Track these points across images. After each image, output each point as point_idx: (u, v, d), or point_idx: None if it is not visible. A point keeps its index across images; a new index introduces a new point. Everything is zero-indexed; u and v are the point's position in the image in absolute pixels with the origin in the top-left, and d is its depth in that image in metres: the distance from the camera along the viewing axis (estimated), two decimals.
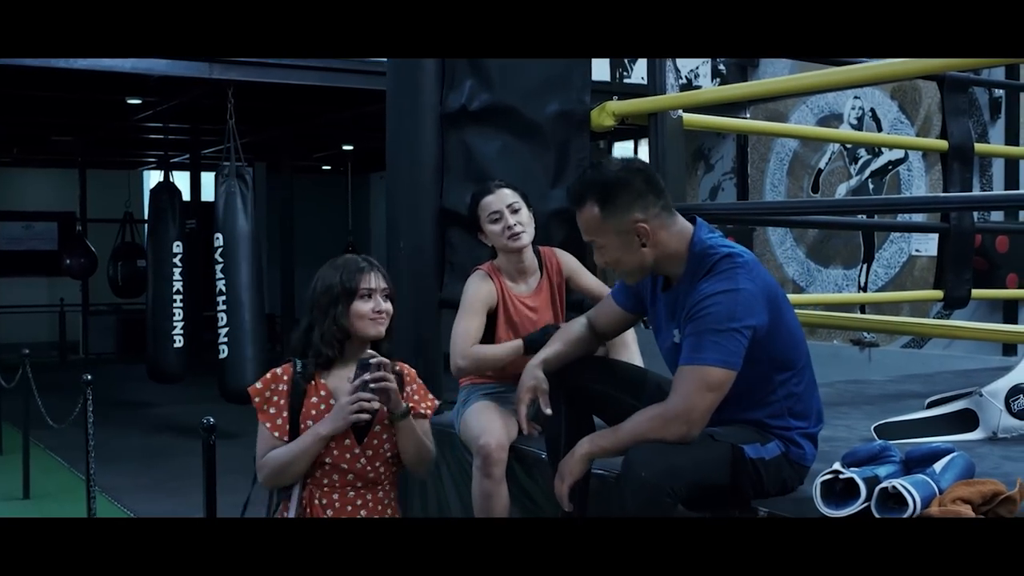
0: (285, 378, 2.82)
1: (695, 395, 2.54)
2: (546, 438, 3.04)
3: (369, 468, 2.82)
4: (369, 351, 2.80)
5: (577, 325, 3.08)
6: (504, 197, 3.56)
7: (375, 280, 2.82)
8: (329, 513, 2.79)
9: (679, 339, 2.68)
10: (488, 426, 3.37)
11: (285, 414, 2.79)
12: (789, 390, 2.71)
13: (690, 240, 2.69)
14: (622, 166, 2.73)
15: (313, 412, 2.80)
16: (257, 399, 2.80)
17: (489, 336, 3.56)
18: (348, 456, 2.80)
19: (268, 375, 2.83)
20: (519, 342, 3.51)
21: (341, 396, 2.76)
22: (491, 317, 3.58)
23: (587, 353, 3.08)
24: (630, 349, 3.51)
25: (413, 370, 2.97)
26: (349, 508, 2.81)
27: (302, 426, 2.79)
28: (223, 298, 8.41)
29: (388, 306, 2.84)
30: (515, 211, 3.55)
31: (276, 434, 2.78)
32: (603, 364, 3.12)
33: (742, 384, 2.62)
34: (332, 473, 2.80)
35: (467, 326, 3.50)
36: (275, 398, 2.80)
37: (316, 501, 2.79)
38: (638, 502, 2.46)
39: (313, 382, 2.82)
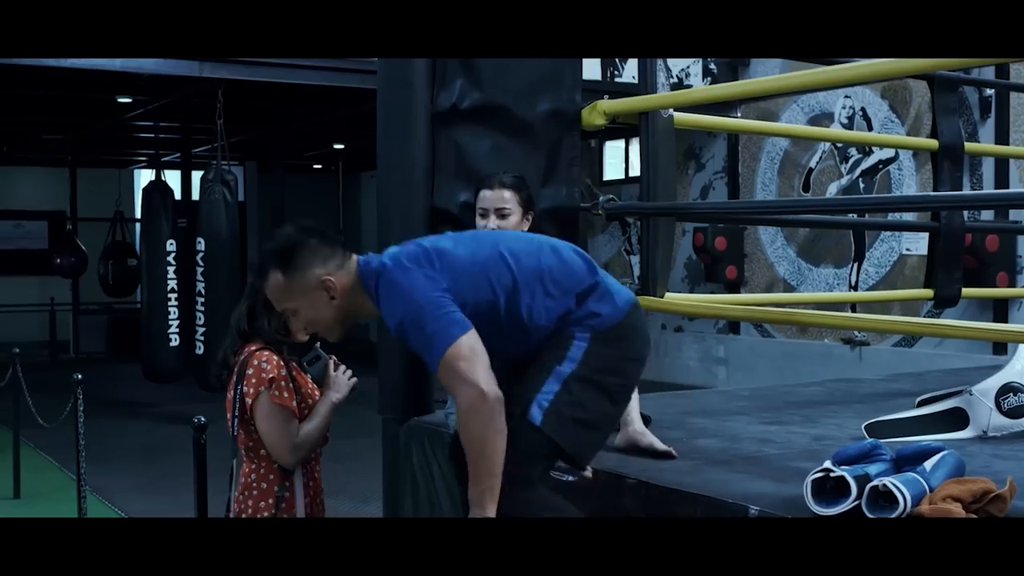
0: (282, 363, 3.01)
1: (463, 375, 2.51)
2: None
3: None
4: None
5: None
6: (499, 198, 3.47)
7: None
8: (318, 477, 3.14)
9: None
10: None
11: (295, 396, 3.01)
12: (589, 309, 2.67)
13: (356, 275, 2.68)
14: (294, 229, 2.73)
15: (313, 390, 3.10)
16: (273, 387, 2.96)
17: None
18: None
19: (275, 361, 3.00)
20: None
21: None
22: None
23: None
24: None
25: None
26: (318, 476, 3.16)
27: (302, 405, 3.04)
28: (202, 299, 9.30)
29: None
30: (502, 216, 3.45)
31: (295, 415, 3.00)
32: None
33: (525, 332, 2.65)
34: (320, 444, 3.12)
35: None
36: (282, 382, 2.99)
37: (315, 474, 3.12)
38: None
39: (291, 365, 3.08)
